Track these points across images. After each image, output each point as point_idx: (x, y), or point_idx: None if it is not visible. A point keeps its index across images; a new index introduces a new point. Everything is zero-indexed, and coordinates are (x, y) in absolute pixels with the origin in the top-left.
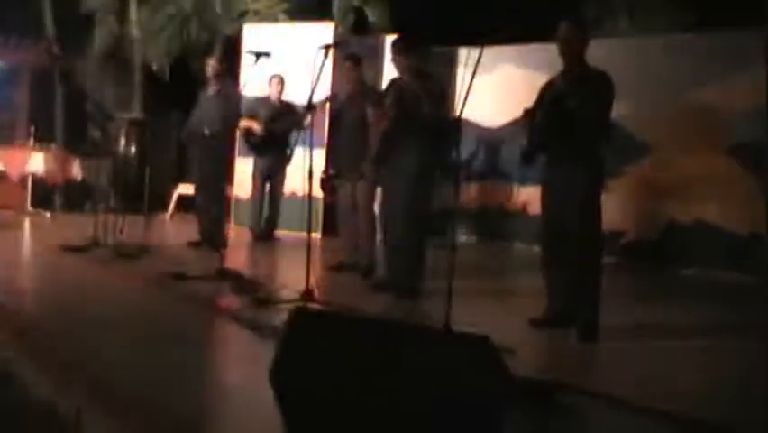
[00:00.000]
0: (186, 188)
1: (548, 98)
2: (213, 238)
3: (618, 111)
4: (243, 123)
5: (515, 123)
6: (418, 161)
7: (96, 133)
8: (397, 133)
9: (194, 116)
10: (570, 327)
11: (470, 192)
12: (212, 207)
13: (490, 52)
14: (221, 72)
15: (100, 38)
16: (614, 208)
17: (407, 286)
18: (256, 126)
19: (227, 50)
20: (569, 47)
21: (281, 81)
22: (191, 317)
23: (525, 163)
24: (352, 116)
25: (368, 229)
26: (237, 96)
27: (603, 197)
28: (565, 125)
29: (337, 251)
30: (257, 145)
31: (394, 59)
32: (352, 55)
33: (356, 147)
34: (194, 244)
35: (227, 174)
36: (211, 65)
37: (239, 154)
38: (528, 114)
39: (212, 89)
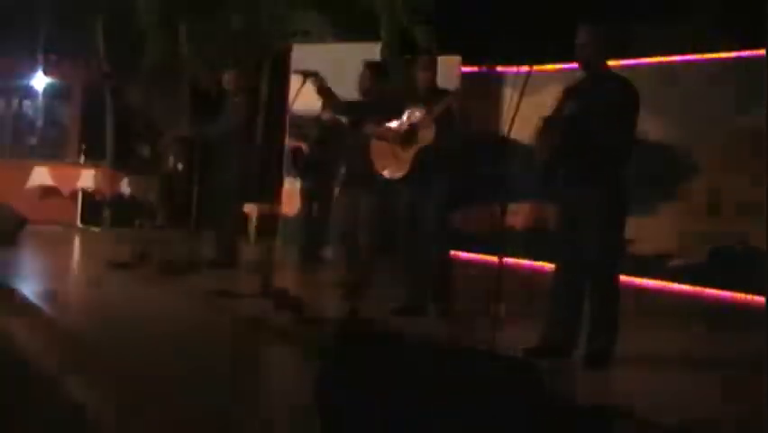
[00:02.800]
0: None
1: (565, 111)
2: (224, 255)
3: (670, 132)
4: (289, 143)
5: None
6: (448, 180)
7: (144, 150)
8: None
9: (208, 125)
10: (565, 357)
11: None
12: (224, 222)
13: (539, 73)
14: (239, 86)
15: (150, 54)
16: (662, 230)
17: (440, 307)
18: (303, 147)
19: (276, 67)
20: (587, 52)
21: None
22: (235, 335)
23: (545, 182)
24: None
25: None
26: (252, 111)
27: (651, 219)
28: (582, 144)
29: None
30: (303, 167)
31: (422, 75)
32: (372, 64)
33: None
34: (210, 264)
35: (245, 187)
36: (226, 78)
37: (287, 173)
38: (546, 125)
39: (230, 101)
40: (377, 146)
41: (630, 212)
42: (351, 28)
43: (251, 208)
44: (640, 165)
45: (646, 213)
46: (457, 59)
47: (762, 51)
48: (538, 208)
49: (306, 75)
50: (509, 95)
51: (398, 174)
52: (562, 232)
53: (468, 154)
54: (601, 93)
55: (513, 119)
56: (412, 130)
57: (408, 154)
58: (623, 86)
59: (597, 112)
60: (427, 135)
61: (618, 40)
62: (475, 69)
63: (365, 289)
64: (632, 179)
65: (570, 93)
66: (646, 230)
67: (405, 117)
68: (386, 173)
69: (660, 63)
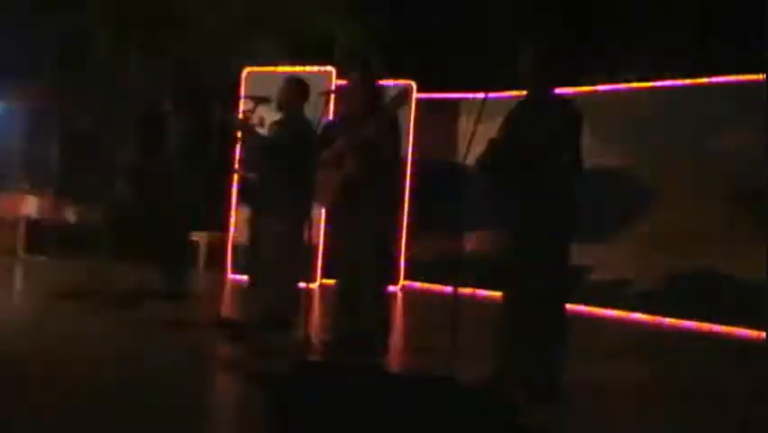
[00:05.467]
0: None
1: (509, 130)
2: (172, 285)
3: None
4: (238, 173)
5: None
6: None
7: (92, 177)
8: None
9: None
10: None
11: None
12: (172, 251)
13: (495, 99)
14: (185, 111)
15: (99, 78)
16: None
17: (379, 343)
18: (250, 176)
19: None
20: (527, 76)
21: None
22: (182, 367)
23: (482, 171)
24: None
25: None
26: (196, 136)
27: (610, 247)
28: (523, 160)
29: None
30: (252, 197)
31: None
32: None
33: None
34: (157, 294)
35: (193, 215)
36: (172, 104)
37: (237, 201)
38: (492, 146)
39: (176, 127)
40: (321, 174)
41: (588, 238)
42: (302, 51)
43: (200, 237)
44: (598, 191)
45: (604, 240)
46: (411, 84)
47: (711, 79)
48: (492, 234)
49: (258, 100)
50: (464, 121)
51: (325, 203)
52: (506, 254)
53: (423, 182)
54: (542, 114)
55: (469, 146)
56: (339, 155)
57: (336, 183)
58: (563, 107)
59: (537, 132)
60: (350, 162)
61: (559, 63)
62: (431, 95)
63: (286, 319)
64: (590, 204)
65: (513, 116)
66: (605, 257)
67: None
68: (318, 202)
69: (617, 90)
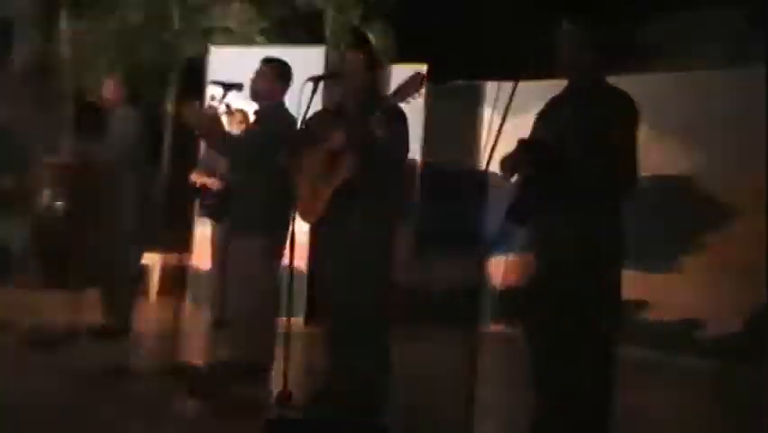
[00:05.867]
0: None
1: (545, 128)
2: (114, 319)
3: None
4: (196, 178)
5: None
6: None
7: (8, 181)
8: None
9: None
10: None
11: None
12: (115, 277)
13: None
14: (122, 97)
15: (18, 56)
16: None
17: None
18: (211, 182)
19: (190, 76)
20: (573, 58)
21: (245, 119)
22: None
23: (514, 222)
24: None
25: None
26: (137, 125)
27: (673, 276)
28: (566, 169)
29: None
30: (214, 209)
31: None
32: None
33: None
34: (96, 331)
35: (143, 231)
36: (105, 87)
37: (197, 214)
38: (524, 148)
39: (110, 115)
40: (300, 183)
41: (639, 266)
42: (285, 26)
43: (151, 259)
44: (657, 205)
45: (665, 268)
46: (422, 68)
47: None
48: (521, 260)
49: (228, 87)
50: (489, 116)
51: (311, 219)
52: (537, 290)
53: (435, 192)
54: (589, 108)
55: (494, 147)
56: (331, 158)
57: (326, 192)
58: (617, 99)
59: (585, 131)
60: (350, 164)
61: (612, 44)
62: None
63: (259, 367)
64: (646, 223)
65: (551, 109)
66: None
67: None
68: (299, 217)
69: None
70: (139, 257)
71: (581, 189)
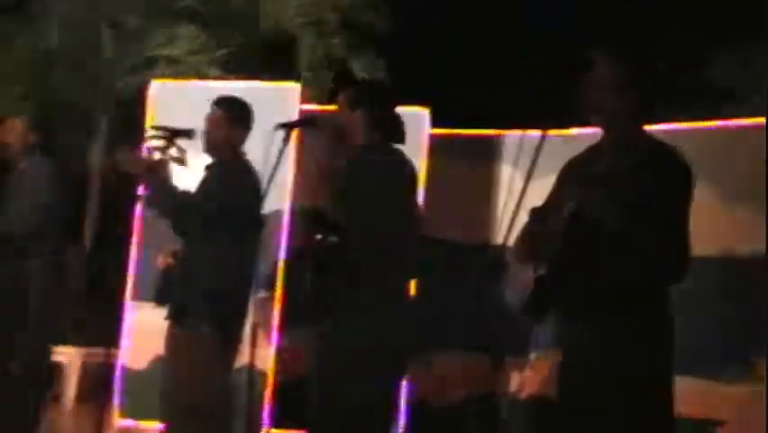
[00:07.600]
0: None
1: (571, 195)
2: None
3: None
4: (161, 260)
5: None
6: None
7: None
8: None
9: None
10: None
11: None
12: (18, 378)
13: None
14: (29, 142)
15: None
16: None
17: None
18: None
19: (123, 118)
20: (607, 102)
21: None
22: None
23: (531, 315)
24: None
25: None
26: (51, 181)
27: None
28: (600, 247)
29: None
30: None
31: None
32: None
33: None
34: None
35: (57, 320)
36: (6, 130)
37: (132, 298)
38: (538, 216)
39: (17, 171)
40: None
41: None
42: (246, 58)
43: (68, 355)
44: (718, 294)
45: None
46: (424, 113)
47: None
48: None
49: (174, 134)
50: (508, 174)
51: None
52: (567, 402)
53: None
54: (629, 167)
55: (515, 214)
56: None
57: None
58: (662, 156)
59: (622, 197)
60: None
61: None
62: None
63: None
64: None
65: (577, 167)
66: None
67: None
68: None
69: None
70: (46, 353)
71: (622, 273)
